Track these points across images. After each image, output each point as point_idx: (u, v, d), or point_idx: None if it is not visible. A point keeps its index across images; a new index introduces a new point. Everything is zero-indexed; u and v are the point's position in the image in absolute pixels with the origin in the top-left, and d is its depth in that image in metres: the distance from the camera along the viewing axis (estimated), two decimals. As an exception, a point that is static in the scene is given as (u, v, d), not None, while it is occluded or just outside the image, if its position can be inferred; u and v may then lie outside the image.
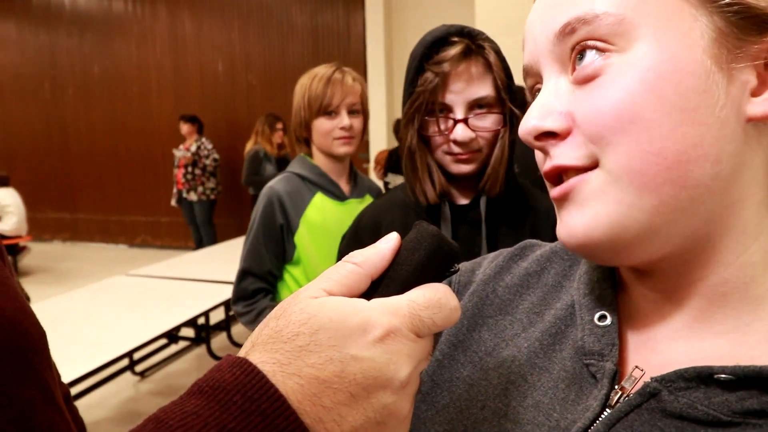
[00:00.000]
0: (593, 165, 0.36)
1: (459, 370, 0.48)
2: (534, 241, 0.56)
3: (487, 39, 0.96)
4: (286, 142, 5.04)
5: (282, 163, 4.87)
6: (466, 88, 0.94)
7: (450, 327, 0.36)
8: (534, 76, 0.42)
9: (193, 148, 5.54)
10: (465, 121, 0.95)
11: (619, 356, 0.40)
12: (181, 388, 3.21)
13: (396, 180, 4.34)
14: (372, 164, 4.95)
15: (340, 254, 1.13)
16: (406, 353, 0.33)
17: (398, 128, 4.56)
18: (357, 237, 1.10)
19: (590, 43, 0.36)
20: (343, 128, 1.45)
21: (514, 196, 1.02)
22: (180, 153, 5.57)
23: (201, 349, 3.65)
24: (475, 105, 0.96)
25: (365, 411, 0.31)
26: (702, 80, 0.34)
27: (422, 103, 0.95)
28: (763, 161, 0.36)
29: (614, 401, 0.37)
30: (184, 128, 5.64)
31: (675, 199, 0.34)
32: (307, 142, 1.55)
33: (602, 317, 0.42)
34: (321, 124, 1.46)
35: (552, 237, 0.54)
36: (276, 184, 1.49)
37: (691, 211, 0.35)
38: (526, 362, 0.44)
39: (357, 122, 1.49)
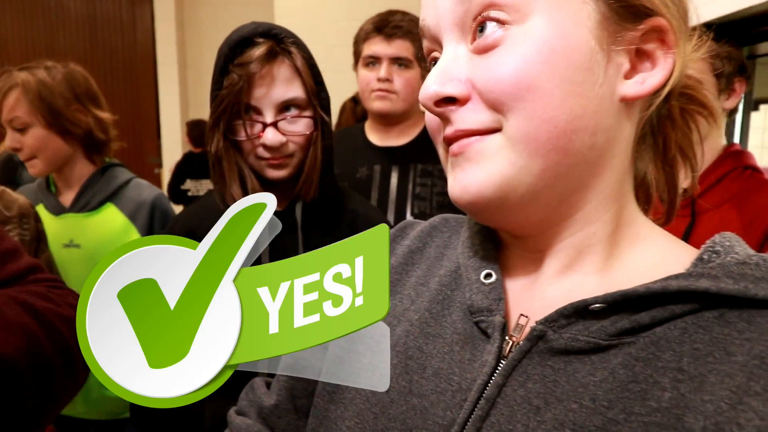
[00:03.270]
0: (493, 129, 0.38)
1: (360, 360, 0.47)
2: (413, 220, 0.58)
3: (296, 43, 0.95)
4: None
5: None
6: (273, 90, 0.92)
7: None
8: (430, 39, 0.43)
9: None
10: (275, 124, 0.93)
11: (504, 309, 0.42)
12: None
13: (197, 186, 4.08)
14: (165, 170, 4.58)
15: None
16: None
17: (192, 129, 4.31)
18: None
19: (492, 14, 0.38)
20: None
21: (331, 200, 1.02)
22: None
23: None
24: (284, 108, 0.94)
25: None
26: (587, 58, 0.37)
27: (228, 105, 0.91)
28: (629, 136, 0.42)
29: (507, 352, 0.40)
30: None
31: (558, 165, 0.38)
32: None
33: (488, 275, 0.44)
34: None
35: None
36: None
37: (568, 177, 0.39)
38: (420, 334, 0.45)
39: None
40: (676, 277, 0.36)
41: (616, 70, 0.39)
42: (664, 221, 0.47)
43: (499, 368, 0.39)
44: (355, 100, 1.99)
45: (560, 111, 0.37)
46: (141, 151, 5.67)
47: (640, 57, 0.40)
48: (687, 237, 1.12)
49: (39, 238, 1.15)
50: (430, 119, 0.43)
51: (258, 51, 0.90)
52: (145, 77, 5.67)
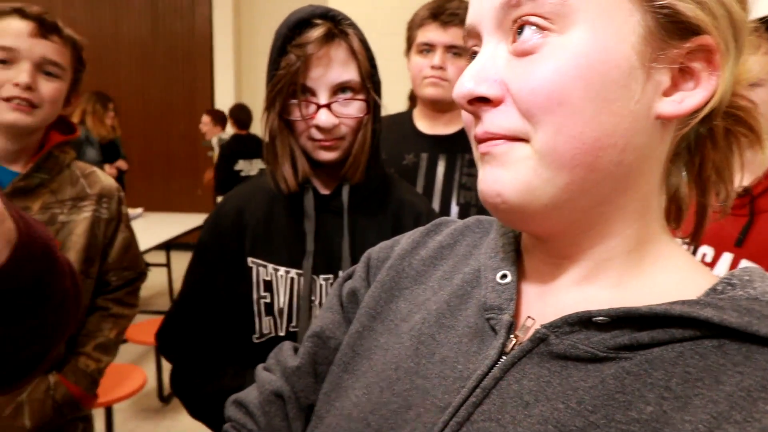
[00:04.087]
0: (522, 138, 0.39)
1: (377, 338, 0.51)
2: (448, 218, 0.60)
3: (353, 25, 0.96)
4: (117, 124, 4.58)
5: (109, 148, 4.39)
6: (330, 71, 0.93)
7: None
8: (475, 37, 0.43)
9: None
10: (328, 106, 0.94)
11: (516, 310, 0.44)
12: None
13: (248, 166, 4.18)
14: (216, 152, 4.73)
15: (200, 243, 1.04)
16: None
17: (236, 112, 4.39)
18: (217, 225, 1.03)
19: (532, 19, 0.37)
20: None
21: (377, 185, 1.03)
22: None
23: None
24: (338, 90, 0.95)
25: None
26: (625, 74, 0.36)
27: (284, 85, 0.92)
28: (661, 154, 0.41)
29: (510, 349, 0.42)
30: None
31: (583, 180, 0.38)
32: None
33: (504, 276, 0.46)
34: None
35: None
36: None
37: (593, 192, 0.39)
38: (435, 323, 0.48)
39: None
40: (683, 302, 0.36)
41: (655, 87, 0.38)
42: (690, 240, 0.47)
43: (499, 363, 0.41)
44: None
45: (589, 128, 0.36)
46: (196, 134, 5.84)
47: (683, 74, 0.39)
48: (744, 236, 1.08)
49: (119, 219, 1.25)
50: (466, 114, 0.43)
51: (316, 32, 0.90)
52: (203, 62, 5.84)
